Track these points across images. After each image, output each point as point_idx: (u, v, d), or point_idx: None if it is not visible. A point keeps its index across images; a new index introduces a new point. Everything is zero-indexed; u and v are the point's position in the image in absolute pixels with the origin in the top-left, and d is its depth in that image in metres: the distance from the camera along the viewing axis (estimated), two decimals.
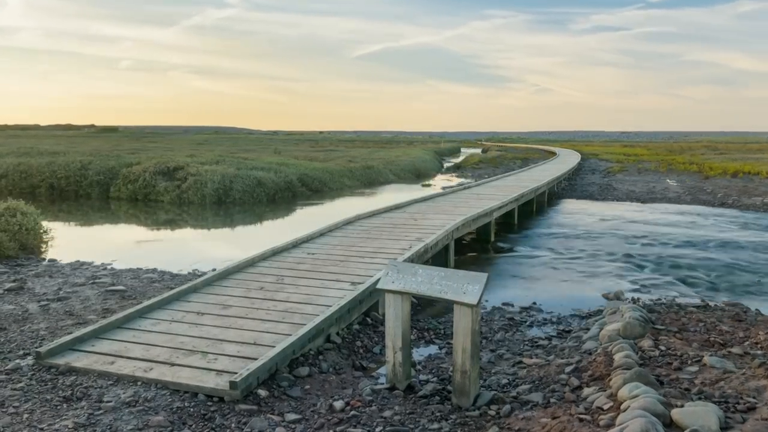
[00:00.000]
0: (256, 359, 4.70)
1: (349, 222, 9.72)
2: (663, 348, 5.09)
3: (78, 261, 9.33)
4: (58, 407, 4.08)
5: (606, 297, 6.82)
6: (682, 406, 4.02)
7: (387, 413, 4.28)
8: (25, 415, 3.96)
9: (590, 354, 5.27)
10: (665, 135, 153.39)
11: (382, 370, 4.92)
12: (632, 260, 9.56)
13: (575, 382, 4.67)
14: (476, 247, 10.35)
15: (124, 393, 4.28)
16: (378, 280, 6.53)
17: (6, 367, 4.77)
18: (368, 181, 24.03)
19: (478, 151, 60.98)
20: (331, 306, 5.83)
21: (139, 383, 4.44)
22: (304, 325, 5.40)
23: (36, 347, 5.23)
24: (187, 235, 12.81)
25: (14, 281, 7.80)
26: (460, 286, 4.77)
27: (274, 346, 4.95)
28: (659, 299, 6.65)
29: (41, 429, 3.77)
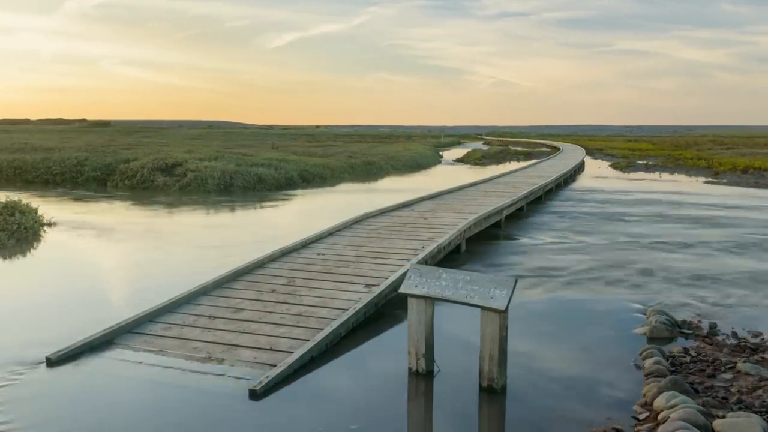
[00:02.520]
0: (274, 365, 4.54)
1: (357, 221, 9.52)
2: (693, 354, 4.95)
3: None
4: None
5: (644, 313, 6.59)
6: (723, 416, 3.87)
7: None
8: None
9: None
10: (669, 129, 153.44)
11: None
12: (644, 248, 9.38)
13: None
14: (486, 233, 10.16)
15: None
16: (392, 282, 6.39)
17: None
18: (369, 175, 23.95)
19: (477, 144, 60.68)
20: (347, 309, 5.66)
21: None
22: (321, 330, 5.23)
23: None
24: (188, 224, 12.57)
25: None
26: (487, 291, 4.61)
27: (292, 352, 4.79)
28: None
29: None
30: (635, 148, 45.08)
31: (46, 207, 12.95)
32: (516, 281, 4.64)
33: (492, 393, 4.39)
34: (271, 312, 5.71)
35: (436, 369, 4.78)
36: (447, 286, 4.75)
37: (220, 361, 4.71)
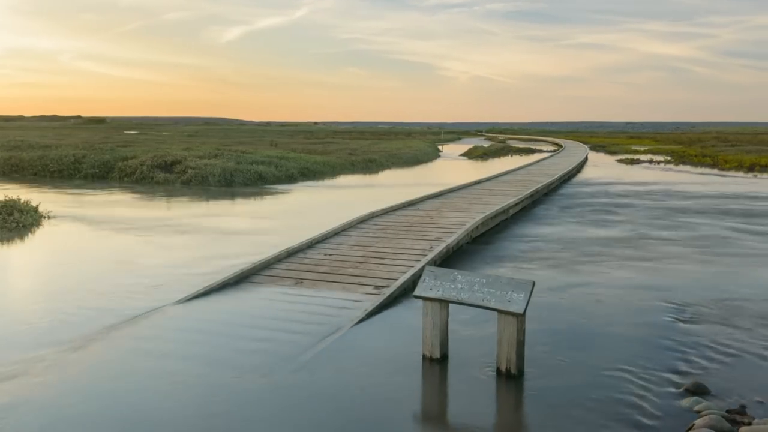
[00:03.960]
0: None
1: (363, 220, 9.39)
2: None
3: None
4: None
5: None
6: (749, 423, 3.78)
7: None
8: None
9: None
10: (670, 126, 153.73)
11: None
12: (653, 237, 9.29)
13: None
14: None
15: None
16: (402, 283, 6.28)
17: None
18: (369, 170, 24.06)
19: (477, 140, 60.53)
20: (358, 312, 5.54)
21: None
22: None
23: None
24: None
25: None
26: (504, 294, 4.51)
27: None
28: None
29: None
30: (639, 144, 44.94)
31: (50, 203, 12.78)
32: (533, 284, 4.54)
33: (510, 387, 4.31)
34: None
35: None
36: (463, 288, 4.65)
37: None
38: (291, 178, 19.24)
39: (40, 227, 10.57)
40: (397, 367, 4.63)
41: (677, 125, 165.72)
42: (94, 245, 9.32)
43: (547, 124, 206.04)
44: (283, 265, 7.13)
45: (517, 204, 11.49)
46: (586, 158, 28.44)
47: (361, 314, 5.46)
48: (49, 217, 11.32)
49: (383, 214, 10.08)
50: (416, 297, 4.80)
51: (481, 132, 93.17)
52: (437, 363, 4.67)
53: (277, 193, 16.10)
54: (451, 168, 27.21)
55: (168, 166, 19.04)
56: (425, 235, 8.48)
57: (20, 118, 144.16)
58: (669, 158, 30.56)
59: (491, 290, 4.57)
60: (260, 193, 15.98)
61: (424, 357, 4.72)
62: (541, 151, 38.98)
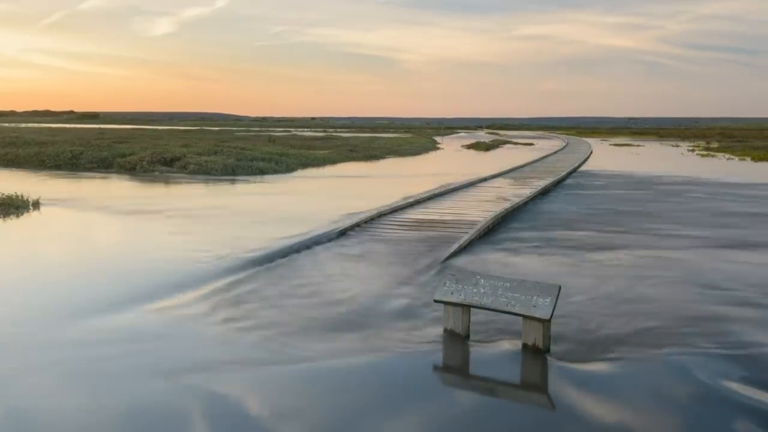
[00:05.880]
0: None
1: (369, 219, 9.15)
2: None
3: None
4: None
5: None
6: None
7: None
8: None
9: None
10: (672, 122, 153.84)
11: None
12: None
13: None
14: None
15: None
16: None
17: None
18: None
19: (476, 135, 60.58)
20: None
21: None
22: None
23: None
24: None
25: None
26: (530, 299, 4.34)
27: None
28: None
29: None
30: (642, 140, 44.84)
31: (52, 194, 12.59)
32: (560, 288, 4.37)
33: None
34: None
35: None
36: (486, 293, 4.48)
37: None
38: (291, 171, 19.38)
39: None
40: None
41: (680, 121, 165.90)
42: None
43: (545, 119, 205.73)
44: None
45: (526, 203, 11.45)
46: (591, 154, 28.48)
47: None
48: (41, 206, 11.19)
49: (389, 212, 9.83)
50: (436, 301, 4.62)
51: (482, 128, 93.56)
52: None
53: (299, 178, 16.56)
54: (456, 162, 27.05)
55: (168, 163, 18.80)
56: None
57: (12, 113, 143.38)
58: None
59: (516, 295, 4.40)
60: (276, 181, 16.10)
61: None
62: (540, 148, 38.84)
